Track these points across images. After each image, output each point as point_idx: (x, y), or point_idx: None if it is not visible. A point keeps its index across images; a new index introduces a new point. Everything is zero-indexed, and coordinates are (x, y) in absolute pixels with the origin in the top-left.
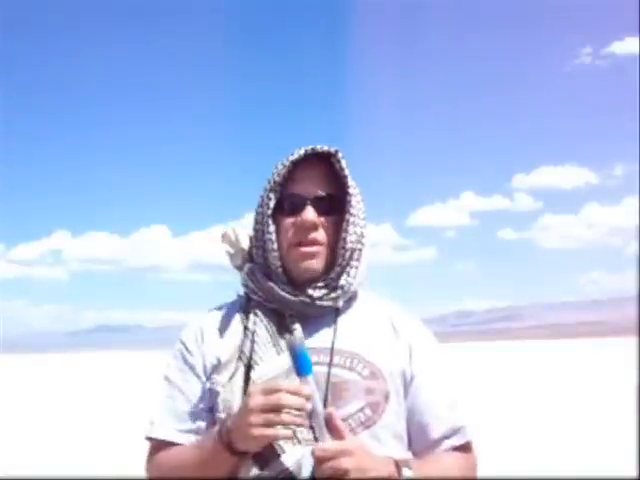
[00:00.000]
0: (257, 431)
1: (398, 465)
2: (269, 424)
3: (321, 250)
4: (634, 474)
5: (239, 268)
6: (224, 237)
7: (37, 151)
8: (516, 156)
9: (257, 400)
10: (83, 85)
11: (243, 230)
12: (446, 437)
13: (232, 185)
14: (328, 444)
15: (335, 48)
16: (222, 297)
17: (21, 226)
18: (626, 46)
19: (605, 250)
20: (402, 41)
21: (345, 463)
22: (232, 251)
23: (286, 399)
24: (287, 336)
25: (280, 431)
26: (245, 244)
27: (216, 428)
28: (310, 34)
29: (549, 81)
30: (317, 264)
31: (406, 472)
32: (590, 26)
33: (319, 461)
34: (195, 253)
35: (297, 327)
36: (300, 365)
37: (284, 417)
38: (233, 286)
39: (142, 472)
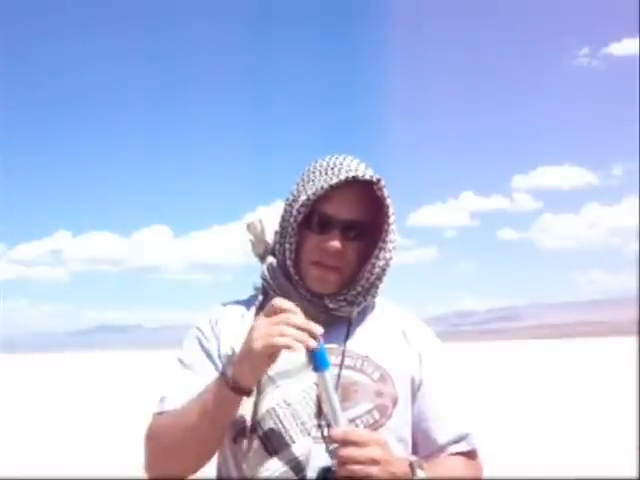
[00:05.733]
0: (260, 342)
1: (412, 465)
2: (273, 334)
3: (338, 274)
4: (634, 474)
5: (260, 257)
6: (249, 227)
7: (38, 151)
8: (515, 156)
9: (262, 319)
10: (84, 85)
11: (270, 222)
12: (452, 443)
13: (234, 186)
14: (360, 429)
15: (334, 47)
16: (222, 297)
17: (21, 226)
18: (624, 47)
19: (605, 250)
20: (397, 45)
21: (375, 452)
22: (255, 241)
23: (293, 316)
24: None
25: (282, 339)
26: (270, 237)
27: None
28: (308, 31)
29: (547, 82)
30: (332, 288)
31: (419, 473)
32: (587, 27)
33: (345, 444)
34: (196, 253)
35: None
36: (318, 361)
37: (286, 329)
38: (233, 286)
39: (141, 471)
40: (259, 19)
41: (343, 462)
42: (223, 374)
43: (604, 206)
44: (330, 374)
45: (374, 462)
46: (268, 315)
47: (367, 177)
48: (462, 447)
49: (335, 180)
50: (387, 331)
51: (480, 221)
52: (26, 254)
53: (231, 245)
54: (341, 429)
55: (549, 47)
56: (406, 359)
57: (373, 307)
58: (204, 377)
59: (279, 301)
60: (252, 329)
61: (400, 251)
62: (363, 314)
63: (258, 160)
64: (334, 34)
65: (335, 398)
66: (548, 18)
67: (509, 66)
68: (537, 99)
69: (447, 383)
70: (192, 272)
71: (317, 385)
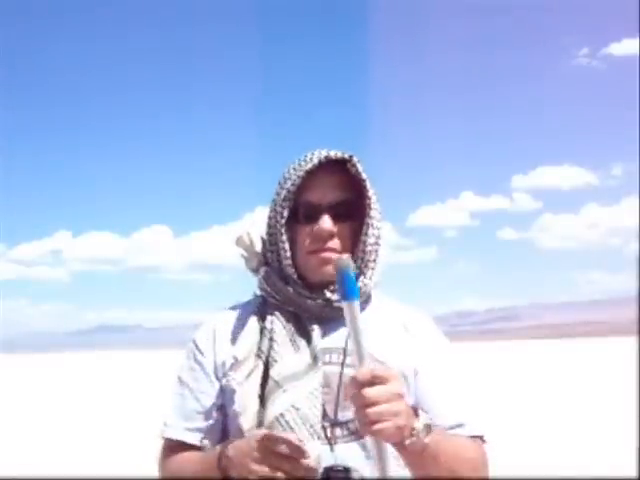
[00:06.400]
0: (255, 478)
1: (416, 411)
2: (269, 478)
3: (338, 257)
4: (634, 474)
5: (254, 271)
6: (238, 241)
7: (38, 151)
8: (515, 156)
9: (263, 452)
10: (84, 84)
11: (257, 233)
12: (448, 429)
13: (234, 186)
14: (379, 366)
15: (333, 48)
16: (222, 297)
17: (21, 226)
18: (623, 47)
19: (605, 250)
20: (398, 46)
21: (399, 387)
22: (247, 255)
23: (295, 470)
24: (336, 258)
25: None
26: (260, 248)
27: (218, 449)
28: (308, 32)
29: (547, 82)
30: (332, 274)
31: (422, 417)
32: (587, 27)
33: (371, 383)
34: (196, 253)
35: (315, 328)
36: (346, 289)
37: None
38: (233, 286)
39: (142, 471)
40: (260, 20)
41: (372, 403)
42: (219, 459)
43: (604, 206)
44: (358, 306)
45: (399, 397)
46: (272, 448)
47: (339, 155)
48: (461, 432)
49: (310, 165)
50: (388, 326)
51: (480, 221)
52: (26, 254)
53: (231, 245)
54: (367, 369)
55: (549, 47)
56: (407, 354)
57: (374, 303)
58: (200, 393)
59: (285, 440)
60: (252, 455)
61: (400, 251)
62: (364, 311)
63: (258, 160)
64: (333, 34)
65: (360, 332)
66: (548, 18)
67: (509, 66)
68: (537, 99)
69: (447, 375)
70: (192, 272)
71: (323, 386)
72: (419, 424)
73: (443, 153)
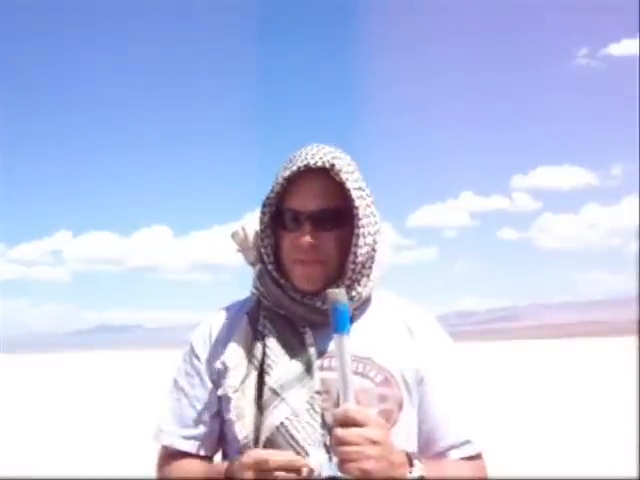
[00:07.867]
0: None
1: (410, 457)
2: None
3: (322, 268)
4: (634, 474)
5: (252, 264)
6: (234, 236)
7: (38, 151)
8: (515, 156)
9: (250, 475)
10: (85, 85)
11: (254, 228)
12: (453, 448)
13: (234, 186)
14: (362, 408)
15: (333, 47)
16: (222, 297)
17: (21, 226)
18: (623, 47)
19: (605, 250)
20: (398, 45)
21: (375, 433)
22: (242, 250)
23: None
24: (329, 291)
25: None
26: (255, 242)
27: (224, 465)
28: (308, 31)
29: (546, 82)
30: (318, 283)
31: (418, 465)
32: (587, 27)
33: (345, 424)
34: (196, 253)
35: (308, 332)
36: (338, 322)
37: None
38: (233, 286)
39: (141, 472)
40: (259, 18)
41: (341, 443)
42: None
43: (604, 206)
44: (349, 340)
45: (373, 443)
46: (261, 469)
47: (319, 164)
48: (464, 452)
49: (288, 173)
50: (389, 327)
51: (480, 221)
52: (26, 254)
53: (231, 245)
54: (343, 409)
55: (549, 47)
56: (411, 356)
57: (374, 303)
58: (195, 400)
59: (277, 460)
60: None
61: (400, 251)
62: (363, 312)
63: (258, 160)
64: (333, 32)
65: (348, 368)
66: (548, 18)
67: (509, 66)
68: (537, 99)
69: (451, 382)
70: (192, 272)
71: (320, 393)
72: (412, 475)
73: (443, 153)
